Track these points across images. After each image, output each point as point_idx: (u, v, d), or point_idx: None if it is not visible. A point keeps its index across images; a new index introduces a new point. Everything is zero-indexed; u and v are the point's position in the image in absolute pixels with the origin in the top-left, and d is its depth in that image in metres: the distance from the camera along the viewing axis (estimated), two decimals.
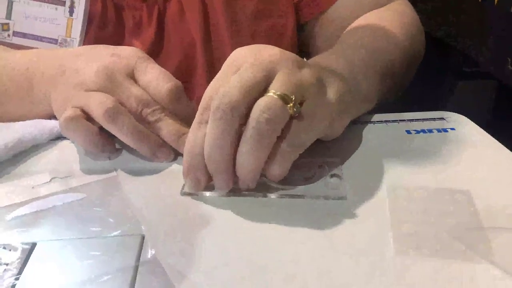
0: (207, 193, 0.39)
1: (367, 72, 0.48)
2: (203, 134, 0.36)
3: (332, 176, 0.40)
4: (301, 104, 0.36)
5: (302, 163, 0.41)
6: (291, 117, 0.36)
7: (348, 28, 0.61)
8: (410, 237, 0.34)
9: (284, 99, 0.35)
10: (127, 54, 0.44)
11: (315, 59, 0.47)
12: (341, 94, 0.40)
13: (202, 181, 0.37)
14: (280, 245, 0.33)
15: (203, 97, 0.38)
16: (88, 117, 0.42)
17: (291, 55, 0.38)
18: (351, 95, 0.43)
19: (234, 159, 0.36)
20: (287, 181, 0.39)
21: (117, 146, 0.45)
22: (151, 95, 0.43)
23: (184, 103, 0.43)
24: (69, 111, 0.41)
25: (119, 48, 0.45)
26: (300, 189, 0.39)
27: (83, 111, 0.42)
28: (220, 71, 0.38)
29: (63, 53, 0.47)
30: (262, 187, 0.38)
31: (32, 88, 0.47)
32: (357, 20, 0.63)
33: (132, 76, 0.43)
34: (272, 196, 0.38)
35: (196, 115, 0.37)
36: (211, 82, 0.38)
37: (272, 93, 0.35)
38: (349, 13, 0.64)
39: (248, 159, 0.35)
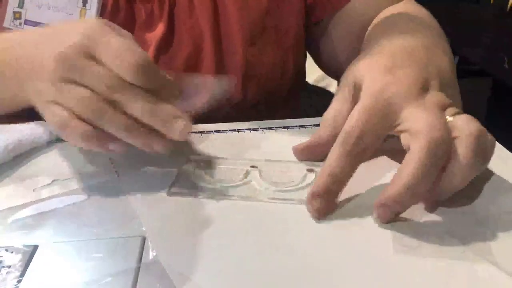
0: (199, 195, 0.39)
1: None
2: (352, 163, 0.37)
3: None
4: None
5: (292, 167, 0.42)
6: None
7: (378, 22, 0.60)
8: (410, 237, 0.34)
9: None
10: (84, 30, 0.40)
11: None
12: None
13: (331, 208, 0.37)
14: (279, 247, 0.34)
15: (350, 125, 0.37)
16: None
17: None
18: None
19: None
20: (277, 184, 0.40)
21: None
22: (119, 75, 0.39)
23: (153, 76, 0.39)
24: (56, 117, 0.39)
25: (77, 25, 0.42)
26: (289, 194, 0.39)
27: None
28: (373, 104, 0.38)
29: (21, 41, 0.45)
30: (251, 191, 0.39)
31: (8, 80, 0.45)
32: (383, 15, 0.61)
33: (92, 55, 0.39)
34: (262, 199, 0.38)
35: (341, 142, 0.37)
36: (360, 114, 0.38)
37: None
38: (365, 9, 0.63)
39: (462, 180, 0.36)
